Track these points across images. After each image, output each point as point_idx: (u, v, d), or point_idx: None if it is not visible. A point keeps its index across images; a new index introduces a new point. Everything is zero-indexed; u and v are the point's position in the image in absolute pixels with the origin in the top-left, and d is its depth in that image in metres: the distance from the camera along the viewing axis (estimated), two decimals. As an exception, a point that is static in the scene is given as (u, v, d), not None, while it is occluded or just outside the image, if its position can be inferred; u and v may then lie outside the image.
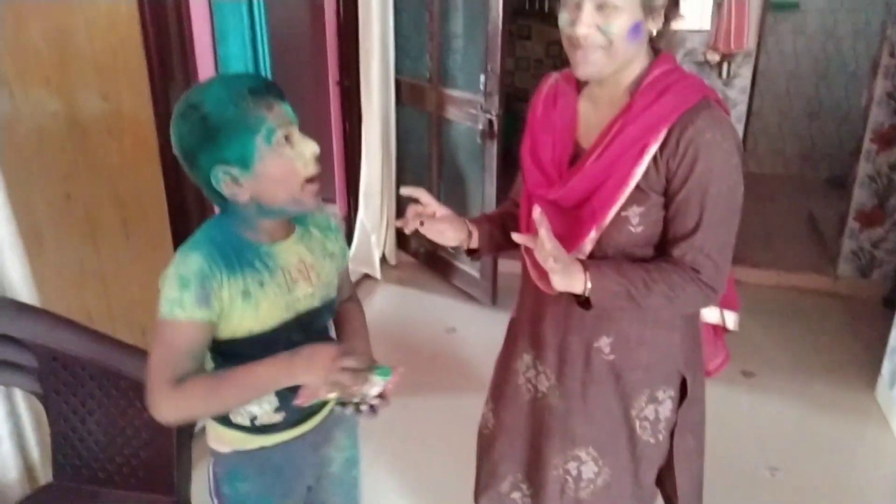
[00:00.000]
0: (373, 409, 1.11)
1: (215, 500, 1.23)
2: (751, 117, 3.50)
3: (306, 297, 1.15)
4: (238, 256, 1.08)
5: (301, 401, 1.04)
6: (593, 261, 1.16)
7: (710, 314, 1.40)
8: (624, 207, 1.14)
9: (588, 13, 1.08)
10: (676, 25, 1.18)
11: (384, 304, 3.47)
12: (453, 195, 3.47)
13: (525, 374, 1.41)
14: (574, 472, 1.35)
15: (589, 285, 1.12)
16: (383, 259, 3.74)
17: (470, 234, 1.32)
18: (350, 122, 3.63)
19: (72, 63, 1.95)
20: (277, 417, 1.17)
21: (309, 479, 1.30)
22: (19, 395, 1.46)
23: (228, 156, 1.00)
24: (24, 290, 1.41)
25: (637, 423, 1.31)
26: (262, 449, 1.19)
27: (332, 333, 1.30)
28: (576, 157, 1.20)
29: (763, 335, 3.22)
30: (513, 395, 1.43)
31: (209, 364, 1.13)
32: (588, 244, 1.17)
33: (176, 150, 1.05)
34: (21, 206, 1.55)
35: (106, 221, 2.12)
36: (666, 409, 1.30)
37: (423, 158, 3.64)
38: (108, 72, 2.06)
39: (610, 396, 1.30)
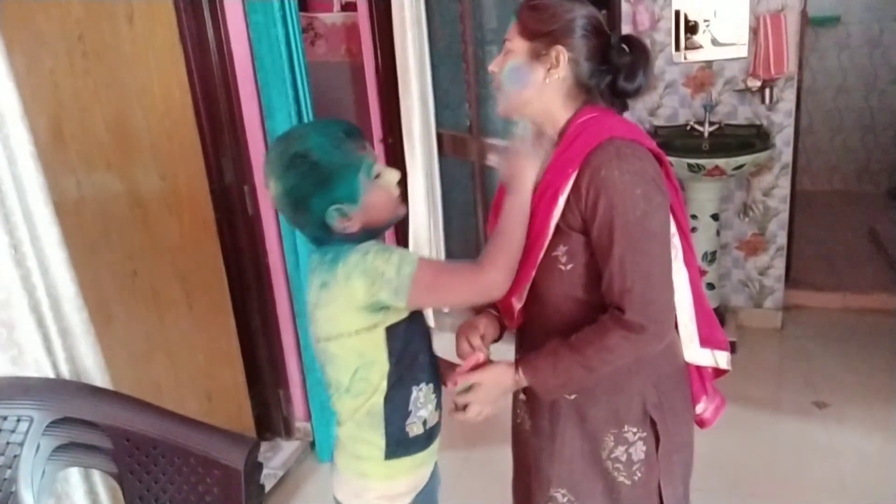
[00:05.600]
0: None
1: None
2: (800, 136, 3.43)
3: None
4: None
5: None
6: (526, 358, 1.23)
7: (701, 356, 1.36)
8: (552, 248, 1.20)
9: (499, 56, 1.24)
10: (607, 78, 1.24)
11: (440, 353, 3.47)
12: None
13: (519, 411, 1.45)
14: None
15: (524, 384, 1.22)
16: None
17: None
18: (395, 176, 3.72)
19: (131, 147, 2.08)
20: (437, 415, 1.27)
21: None
22: (97, 476, 1.52)
23: (340, 195, 1.10)
24: (97, 374, 1.48)
25: (610, 465, 1.30)
26: (429, 482, 1.30)
27: None
28: None
29: (833, 362, 3.09)
30: (516, 433, 1.49)
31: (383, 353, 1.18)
32: (525, 286, 1.24)
33: (282, 200, 1.12)
34: (90, 285, 1.64)
35: (170, 295, 2.22)
36: (639, 450, 1.29)
37: (468, 206, 3.69)
38: (165, 153, 2.17)
39: (577, 437, 1.31)
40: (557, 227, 1.19)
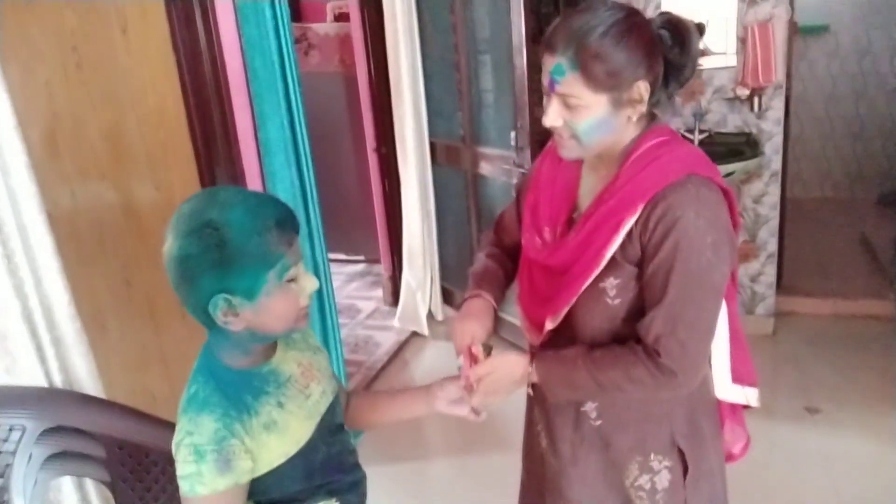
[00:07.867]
0: None
1: None
2: (790, 144, 3.46)
3: (321, 396, 1.16)
4: (249, 391, 1.05)
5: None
6: (543, 357, 1.20)
7: (732, 392, 1.30)
8: (601, 278, 1.12)
9: (554, 107, 1.09)
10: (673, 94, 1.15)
11: (434, 361, 3.49)
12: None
13: (538, 427, 1.41)
14: None
15: (533, 380, 1.19)
16: (430, 316, 3.78)
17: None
18: (389, 185, 3.75)
19: (126, 157, 2.08)
20: None
21: None
22: (89, 484, 1.53)
23: (235, 286, 0.95)
24: (89, 382, 1.49)
25: (633, 493, 1.25)
26: None
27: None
28: (571, 219, 1.22)
29: (825, 368, 3.11)
30: (531, 447, 1.44)
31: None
32: (563, 311, 1.17)
33: (171, 263, 0.95)
34: (84, 295, 1.64)
35: (164, 304, 2.22)
36: (663, 479, 1.23)
37: (461, 215, 3.71)
38: (160, 163, 2.18)
39: (600, 463, 1.26)
40: (613, 258, 1.11)
